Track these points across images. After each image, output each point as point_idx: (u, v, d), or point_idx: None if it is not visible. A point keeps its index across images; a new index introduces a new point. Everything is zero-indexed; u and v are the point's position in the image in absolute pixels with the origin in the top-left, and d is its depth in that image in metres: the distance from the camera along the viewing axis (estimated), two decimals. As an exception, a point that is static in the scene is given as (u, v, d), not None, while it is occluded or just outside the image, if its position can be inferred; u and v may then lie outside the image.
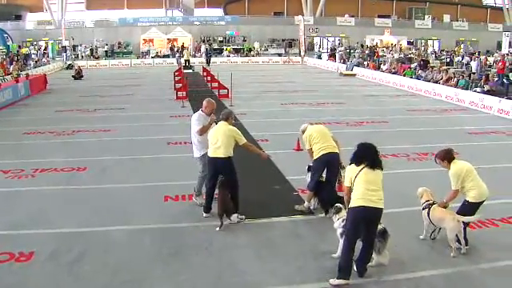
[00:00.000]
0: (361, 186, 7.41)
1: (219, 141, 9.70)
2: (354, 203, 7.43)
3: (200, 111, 10.59)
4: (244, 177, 10.30)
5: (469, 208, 8.42)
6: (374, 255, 7.81)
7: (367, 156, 7.60)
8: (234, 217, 9.72)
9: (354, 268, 7.59)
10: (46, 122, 20.75)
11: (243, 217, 9.85)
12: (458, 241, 8.38)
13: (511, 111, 21.90)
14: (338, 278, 7.40)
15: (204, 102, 10.63)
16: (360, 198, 7.36)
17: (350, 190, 7.59)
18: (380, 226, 7.71)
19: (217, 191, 9.97)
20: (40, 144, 16.94)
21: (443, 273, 7.85)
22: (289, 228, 9.65)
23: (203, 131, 10.29)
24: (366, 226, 7.48)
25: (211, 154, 9.88)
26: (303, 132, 10.50)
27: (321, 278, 7.61)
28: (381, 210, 7.43)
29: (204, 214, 10.10)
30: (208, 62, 49.71)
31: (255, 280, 7.65)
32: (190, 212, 10.43)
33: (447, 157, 8.59)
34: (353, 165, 7.65)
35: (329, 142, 10.07)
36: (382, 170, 7.66)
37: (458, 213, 8.48)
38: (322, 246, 8.67)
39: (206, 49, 57.52)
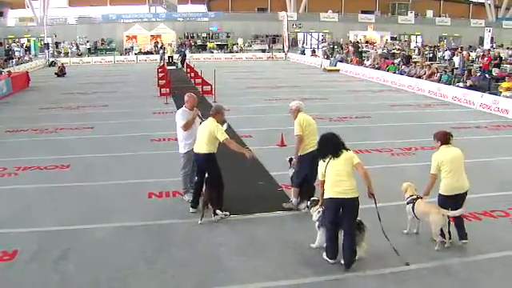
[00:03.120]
0: (330, 179, 7.74)
1: (202, 136, 9.74)
2: (325, 194, 7.82)
3: (183, 107, 10.66)
4: (227, 173, 10.27)
5: (441, 200, 8.55)
6: None
7: (327, 146, 7.91)
8: (219, 213, 9.74)
9: (342, 261, 7.72)
10: (28, 120, 20.56)
11: (227, 213, 9.86)
12: (443, 234, 8.46)
13: (493, 106, 22.15)
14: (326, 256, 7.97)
15: (185, 97, 10.73)
16: (329, 190, 7.74)
17: (323, 182, 7.90)
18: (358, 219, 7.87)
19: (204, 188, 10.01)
20: (23, 142, 16.80)
21: (427, 266, 7.93)
22: (273, 224, 9.68)
23: (187, 126, 10.33)
24: (342, 215, 7.76)
25: (195, 150, 9.94)
26: (296, 110, 10.19)
27: (305, 274, 7.67)
28: (353, 199, 7.66)
29: (191, 210, 10.11)
30: (182, 63, 46.27)
31: (240, 276, 7.67)
32: (174, 209, 10.43)
33: (442, 138, 8.73)
34: (321, 160, 7.93)
35: (316, 138, 10.03)
36: (348, 150, 7.89)
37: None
38: (305, 242, 8.68)
39: (179, 46, 55.70)
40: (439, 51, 47.64)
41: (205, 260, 8.16)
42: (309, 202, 8.81)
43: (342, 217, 7.75)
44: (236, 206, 10.18)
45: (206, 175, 9.85)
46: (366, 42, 60.07)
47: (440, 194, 8.55)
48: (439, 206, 8.50)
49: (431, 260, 8.11)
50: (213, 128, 9.69)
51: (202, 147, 9.75)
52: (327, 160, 7.78)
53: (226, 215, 9.82)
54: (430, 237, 8.61)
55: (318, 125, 10.14)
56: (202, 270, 7.84)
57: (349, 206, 7.66)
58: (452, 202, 8.41)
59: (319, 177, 8.02)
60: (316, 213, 8.43)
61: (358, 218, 7.88)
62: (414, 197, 8.86)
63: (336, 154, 7.77)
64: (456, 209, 8.34)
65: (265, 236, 9.08)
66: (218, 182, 9.86)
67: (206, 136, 9.68)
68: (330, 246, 7.89)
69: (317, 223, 8.36)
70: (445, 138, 8.71)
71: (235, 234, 9.21)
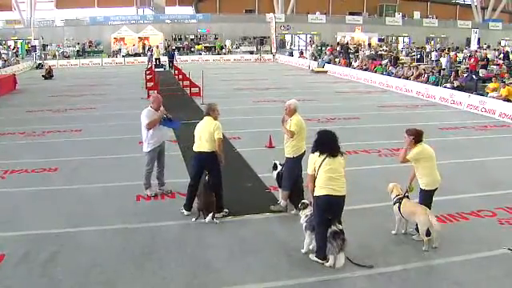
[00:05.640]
0: (323, 176, 7.72)
1: (203, 136, 9.78)
2: (317, 192, 7.79)
3: (149, 107, 10.99)
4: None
5: (424, 196, 8.65)
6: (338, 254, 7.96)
7: (327, 145, 7.87)
8: (218, 216, 9.81)
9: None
10: (15, 123, 20.43)
11: (227, 210, 10.05)
12: (429, 233, 8.49)
13: (480, 106, 22.31)
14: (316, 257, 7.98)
15: (151, 98, 11.19)
16: (323, 187, 7.71)
17: (314, 177, 7.86)
18: (341, 226, 7.87)
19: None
20: (10, 145, 16.70)
21: (415, 266, 7.96)
22: (262, 225, 9.68)
23: (151, 125, 10.73)
24: (332, 211, 7.83)
25: (196, 149, 9.98)
26: (293, 110, 9.97)
27: (293, 275, 7.67)
28: (343, 196, 7.82)
29: (185, 212, 10.10)
30: (171, 66, 45.92)
31: (229, 278, 7.67)
32: (163, 211, 10.42)
33: (416, 138, 8.67)
34: (316, 153, 7.88)
35: (305, 141, 10.04)
36: (342, 155, 7.93)
37: (420, 203, 8.70)
38: (294, 243, 8.70)
39: (167, 49, 55.57)
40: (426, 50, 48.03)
41: (194, 262, 8.16)
42: (299, 205, 8.76)
43: (331, 214, 7.85)
44: (225, 208, 10.16)
45: (203, 176, 9.84)
46: (363, 45, 60.05)
47: (423, 190, 8.67)
48: (421, 201, 8.67)
49: (419, 260, 8.14)
50: (213, 127, 9.75)
51: (204, 146, 9.80)
52: (323, 157, 7.77)
53: (226, 212, 10.02)
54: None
55: (306, 126, 10.12)
56: (192, 271, 7.83)
57: (340, 202, 7.83)
58: (432, 196, 8.66)
59: (309, 171, 7.96)
60: (304, 216, 8.41)
61: (341, 227, 7.88)
62: (401, 196, 8.90)
63: (333, 154, 7.81)
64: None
65: (254, 238, 9.09)
66: (219, 179, 9.95)
67: (207, 135, 9.74)
68: (323, 246, 7.88)
69: (304, 225, 8.35)
70: (419, 138, 8.70)
71: (225, 235, 9.21)
